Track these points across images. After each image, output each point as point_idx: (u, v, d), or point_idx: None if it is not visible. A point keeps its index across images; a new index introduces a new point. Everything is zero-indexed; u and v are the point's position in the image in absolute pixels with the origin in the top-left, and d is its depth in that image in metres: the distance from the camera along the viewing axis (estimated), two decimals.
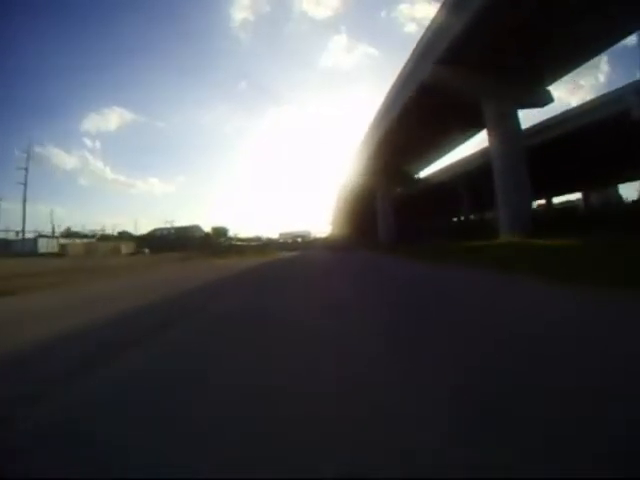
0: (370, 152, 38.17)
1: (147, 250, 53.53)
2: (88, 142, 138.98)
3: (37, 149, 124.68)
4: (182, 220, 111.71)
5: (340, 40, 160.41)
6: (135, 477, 1.46)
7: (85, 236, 72.36)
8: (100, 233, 76.24)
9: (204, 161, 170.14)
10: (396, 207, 44.83)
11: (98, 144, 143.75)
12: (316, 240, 62.06)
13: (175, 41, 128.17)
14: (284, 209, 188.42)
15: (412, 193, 50.24)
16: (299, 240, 64.06)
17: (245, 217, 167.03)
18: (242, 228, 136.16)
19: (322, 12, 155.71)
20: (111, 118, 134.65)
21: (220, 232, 77.36)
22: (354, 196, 55.59)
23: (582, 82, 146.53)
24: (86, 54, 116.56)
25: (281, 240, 75.57)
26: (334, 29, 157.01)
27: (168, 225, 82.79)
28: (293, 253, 43.90)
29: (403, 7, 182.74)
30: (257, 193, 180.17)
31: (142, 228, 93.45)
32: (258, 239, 73.70)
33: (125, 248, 56.52)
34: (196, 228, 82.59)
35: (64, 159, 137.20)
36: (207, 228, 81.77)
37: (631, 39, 21.95)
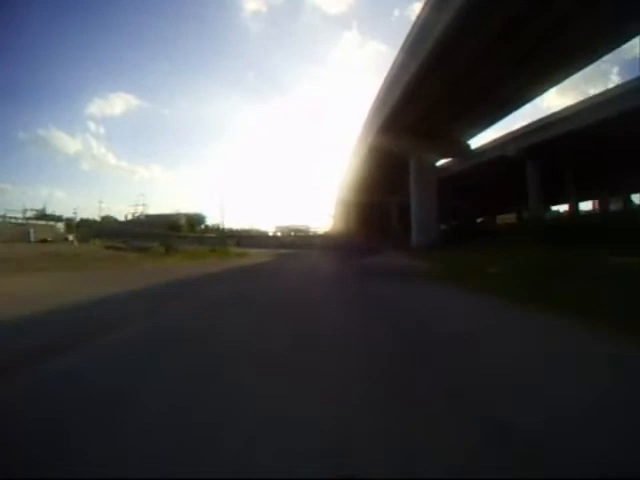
0: (399, 96, 25.09)
1: (71, 237, 39.81)
2: (92, 126, 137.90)
3: (40, 132, 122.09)
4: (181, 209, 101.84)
5: (351, 36, 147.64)
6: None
7: (59, 219, 63.73)
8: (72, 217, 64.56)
9: (207, 151, 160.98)
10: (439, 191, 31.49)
11: (102, 129, 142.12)
12: (315, 236, 49.31)
13: (184, 29, 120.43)
14: (285, 203, 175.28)
15: (464, 171, 37.24)
16: (292, 234, 50.89)
17: (247, 209, 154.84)
18: (243, 220, 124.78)
19: (335, 7, 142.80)
20: (116, 103, 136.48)
21: (194, 221, 63.46)
22: (368, 170, 42.24)
23: (592, 91, 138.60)
24: (94, 39, 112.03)
25: (278, 234, 63.06)
26: (346, 25, 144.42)
27: (143, 210, 69.54)
28: (277, 256, 30.86)
29: (417, 6, 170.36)
30: (259, 185, 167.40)
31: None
32: (247, 232, 61.12)
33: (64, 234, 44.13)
34: (180, 216, 69.63)
35: (67, 142, 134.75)
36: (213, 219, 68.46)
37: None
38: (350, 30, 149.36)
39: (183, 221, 66.24)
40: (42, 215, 65.70)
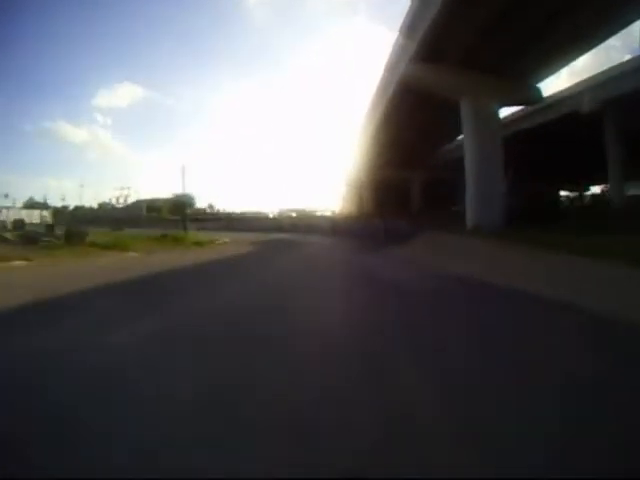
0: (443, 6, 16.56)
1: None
2: (98, 117, 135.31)
3: (47, 123, 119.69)
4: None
5: (359, 21, 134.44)
6: None
7: (46, 207, 61.54)
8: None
9: (213, 138, 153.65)
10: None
11: (109, 119, 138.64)
12: (321, 218, 40.25)
13: (190, 17, 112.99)
14: (291, 186, 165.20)
15: (521, 132, 28.47)
16: (293, 215, 41.62)
17: (251, 193, 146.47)
18: (248, 204, 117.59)
19: None
20: (122, 94, 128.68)
21: (179, 205, 54.82)
22: (389, 132, 33.21)
23: None
24: (99, 29, 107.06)
25: (275, 216, 53.33)
26: (353, 10, 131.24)
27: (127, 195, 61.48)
28: (265, 244, 22.59)
29: None
30: (264, 168, 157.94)
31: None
32: (242, 214, 51.83)
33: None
34: (160, 201, 61.44)
35: (74, 133, 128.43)
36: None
37: None
38: (358, 15, 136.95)
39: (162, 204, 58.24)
40: (31, 204, 64.21)
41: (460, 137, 38.30)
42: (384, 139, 35.24)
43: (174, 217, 47.06)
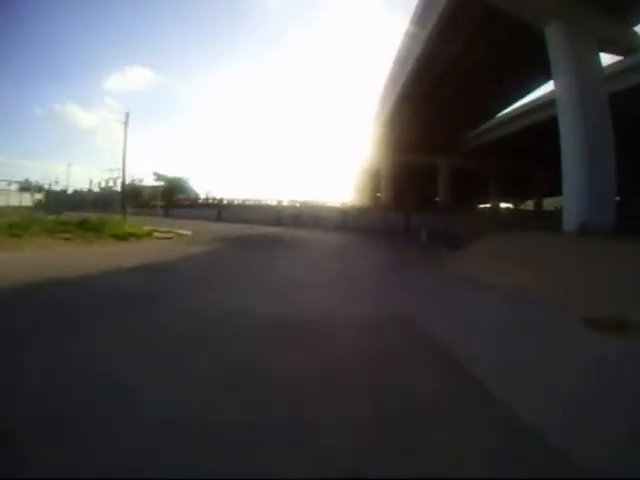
0: None
1: None
2: (108, 100, 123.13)
3: (56, 106, 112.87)
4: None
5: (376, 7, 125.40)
6: None
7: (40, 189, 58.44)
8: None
9: (222, 125, 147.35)
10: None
11: (118, 103, 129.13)
12: (331, 210, 32.84)
13: (208, 12, 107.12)
14: (301, 177, 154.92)
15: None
16: (297, 205, 34.15)
17: (260, 183, 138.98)
18: (254, 193, 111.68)
19: None
20: (133, 77, 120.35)
21: (170, 189, 48.12)
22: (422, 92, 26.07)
23: None
24: (111, 13, 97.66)
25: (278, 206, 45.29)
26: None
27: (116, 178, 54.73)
28: (241, 242, 15.91)
29: None
30: (273, 159, 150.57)
31: None
32: (241, 202, 44.79)
33: None
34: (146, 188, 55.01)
35: (83, 117, 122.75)
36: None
37: None
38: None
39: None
40: (26, 186, 59.88)
41: (505, 111, 31.31)
42: (406, 112, 28.20)
43: (155, 203, 40.45)
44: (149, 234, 12.39)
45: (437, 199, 47.83)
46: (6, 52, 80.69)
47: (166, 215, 37.32)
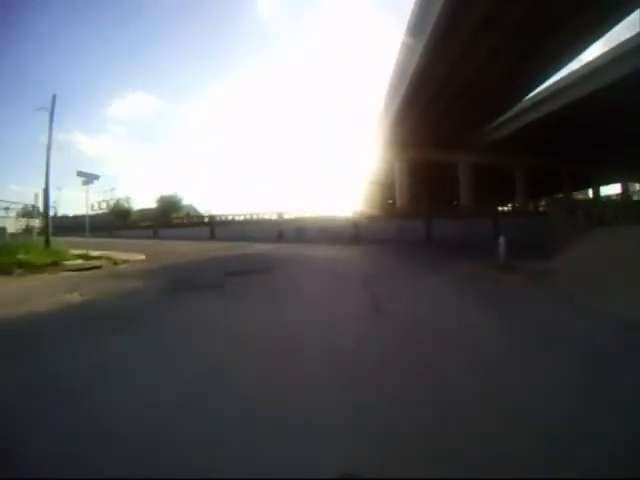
0: None
1: None
2: (113, 127, 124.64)
3: (62, 135, 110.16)
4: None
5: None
6: None
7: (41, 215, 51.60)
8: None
9: (226, 141, 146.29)
10: None
11: (123, 129, 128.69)
12: (339, 221, 27.48)
13: (201, 29, 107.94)
14: (305, 190, 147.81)
15: None
16: (303, 216, 28.24)
17: (264, 198, 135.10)
18: (258, 209, 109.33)
19: None
20: (136, 103, 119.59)
21: (163, 208, 44.34)
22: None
23: None
24: (112, 39, 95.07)
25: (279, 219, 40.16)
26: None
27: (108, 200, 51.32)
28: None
29: None
30: (277, 173, 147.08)
31: None
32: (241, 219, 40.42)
33: None
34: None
35: (89, 144, 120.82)
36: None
37: None
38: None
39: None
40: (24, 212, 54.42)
41: (533, 93, 26.72)
42: (420, 104, 24.10)
43: (145, 224, 36.54)
44: (56, 263, 8.23)
45: (454, 202, 43.53)
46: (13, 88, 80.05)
47: (155, 236, 33.41)
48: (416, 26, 19.88)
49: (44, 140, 12.48)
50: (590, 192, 48.23)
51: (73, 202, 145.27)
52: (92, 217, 52.13)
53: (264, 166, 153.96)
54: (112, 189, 49.29)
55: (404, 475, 1.42)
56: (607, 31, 18.39)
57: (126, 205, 43.88)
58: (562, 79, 25.06)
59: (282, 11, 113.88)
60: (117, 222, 40.99)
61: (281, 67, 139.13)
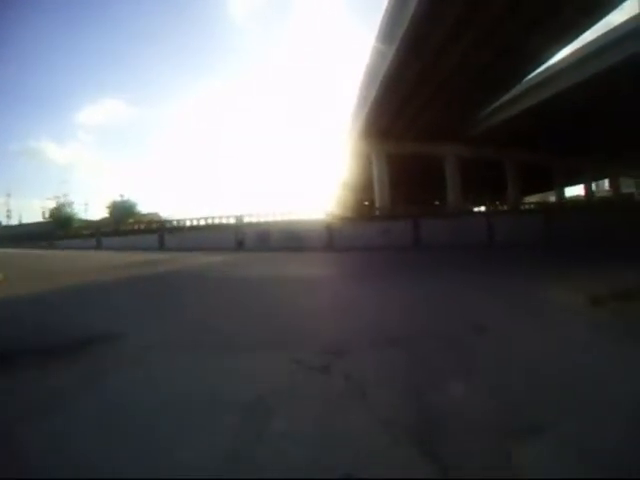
0: None
1: None
2: (82, 134, 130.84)
3: (31, 143, 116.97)
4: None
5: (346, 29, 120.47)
6: None
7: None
8: None
9: (200, 150, 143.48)
10: None
11: (92, 136, 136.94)
12: (310, 224, 23.28)
13: (176, 30, 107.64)
14: (274, 192, 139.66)
15: None
16: (265, 220, 23.61)
17: (231, 202, 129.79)
18: (222, 212, 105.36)
19: None
20: (106, 110, 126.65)
21: (118, 216, 39.16)
22: None
23: None
24: (82, 45, 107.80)
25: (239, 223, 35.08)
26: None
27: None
28: None
29: None
30: (244, 175, 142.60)
31: None
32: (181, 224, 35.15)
33: None
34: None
35: (58, 152, 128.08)
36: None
37: None
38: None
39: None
40: None
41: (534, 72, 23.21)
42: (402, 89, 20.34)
43: (87, 232, 31.42)
44: None
45: (439, 201, 40.15)
46: None
47: (98, 246, 28.50)
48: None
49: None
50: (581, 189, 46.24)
51: (39, 211, 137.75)
52: (34, 226, 46.30)
53: (230, 168, 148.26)
54: (65, 195, 43.74)
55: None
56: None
57: (68, 211, 38.38)
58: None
59: (257, 14, 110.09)
60: (58, 231, 35.62)
61: (249, 63, 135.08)
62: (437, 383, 2.28)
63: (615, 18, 27.26)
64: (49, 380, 2.49)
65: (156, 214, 47.81)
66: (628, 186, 46.09)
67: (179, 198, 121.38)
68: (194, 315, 4.45)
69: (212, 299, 5.65)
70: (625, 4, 16.92)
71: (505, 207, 28.84)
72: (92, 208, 49.07)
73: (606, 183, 51.84)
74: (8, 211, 51.45)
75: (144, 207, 49.80)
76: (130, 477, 1.49)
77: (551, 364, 2.53)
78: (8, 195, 53.17)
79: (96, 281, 8.16)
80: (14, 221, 52.63)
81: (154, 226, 28.73)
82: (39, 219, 49.25)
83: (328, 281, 7.68)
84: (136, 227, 31.83)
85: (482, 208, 36.73)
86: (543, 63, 21.39)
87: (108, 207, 41.29)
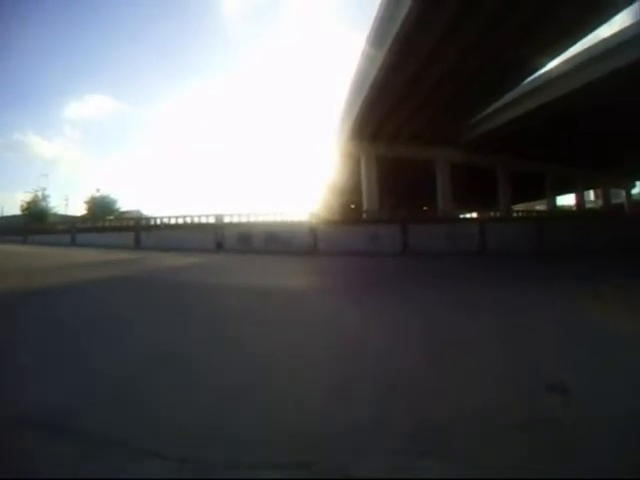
0: None
1: None
2: (68, 129, 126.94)
3: (16, 136, 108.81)
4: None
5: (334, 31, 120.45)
6: None
7: None
8: None
9: (185, 149, 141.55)
10: None
11: (79, 132, 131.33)
12: (293, 226, 22.13)
13: (163, 30, 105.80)
14: (258, 193, 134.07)
15: None
16: (247, 221, 22.53)
17: (214, 201, 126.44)
18: (205, 211, 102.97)
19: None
20: (93, 105, 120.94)
21: (97, 210, 37.63)
22: None
23: None
24: (71, 39, 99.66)
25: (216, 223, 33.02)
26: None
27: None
28: None
29: None
30: (228, 174, 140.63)
31: None
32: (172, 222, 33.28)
33: None
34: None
35: (44, 146, 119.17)
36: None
37: None
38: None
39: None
40: None
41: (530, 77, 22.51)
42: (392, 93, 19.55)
43: (62, 227, 30.00)
44: None
45: (429, 207, 39.51)
46: None
47: (73, 242, 27.16)
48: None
49: None
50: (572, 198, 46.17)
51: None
52: (10, 219, 44.38)
53: (214, 168, 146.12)
54: (44, 189, 41.84)
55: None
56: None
57: (43, 205, 36.70)
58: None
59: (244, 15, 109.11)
60: (33, 225, 34.07)
61: (237, 63, 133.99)
62: None
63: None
64: None
65: (138, 211, 46.27)
66: (617, 197, 46.15)
67: (163, 196, 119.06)
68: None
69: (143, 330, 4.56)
70: (615, 18, 16.66)
71: (497, 214, 28.25)
72: (74, 203, 47.46)
73: (592, 194, 52.17)
74: None
75: (127, 204, 48.31)
76: None
77: None
78: None
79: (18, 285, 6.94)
80: None
81: (131, 223, 27.37)
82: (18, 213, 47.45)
83: (315, 295, 6.42)
84: (114, 224, 30.50)
85: (473, 214, 36.21)
86: (535, 72, 20.96)
87: (86, 202, 39.64)
